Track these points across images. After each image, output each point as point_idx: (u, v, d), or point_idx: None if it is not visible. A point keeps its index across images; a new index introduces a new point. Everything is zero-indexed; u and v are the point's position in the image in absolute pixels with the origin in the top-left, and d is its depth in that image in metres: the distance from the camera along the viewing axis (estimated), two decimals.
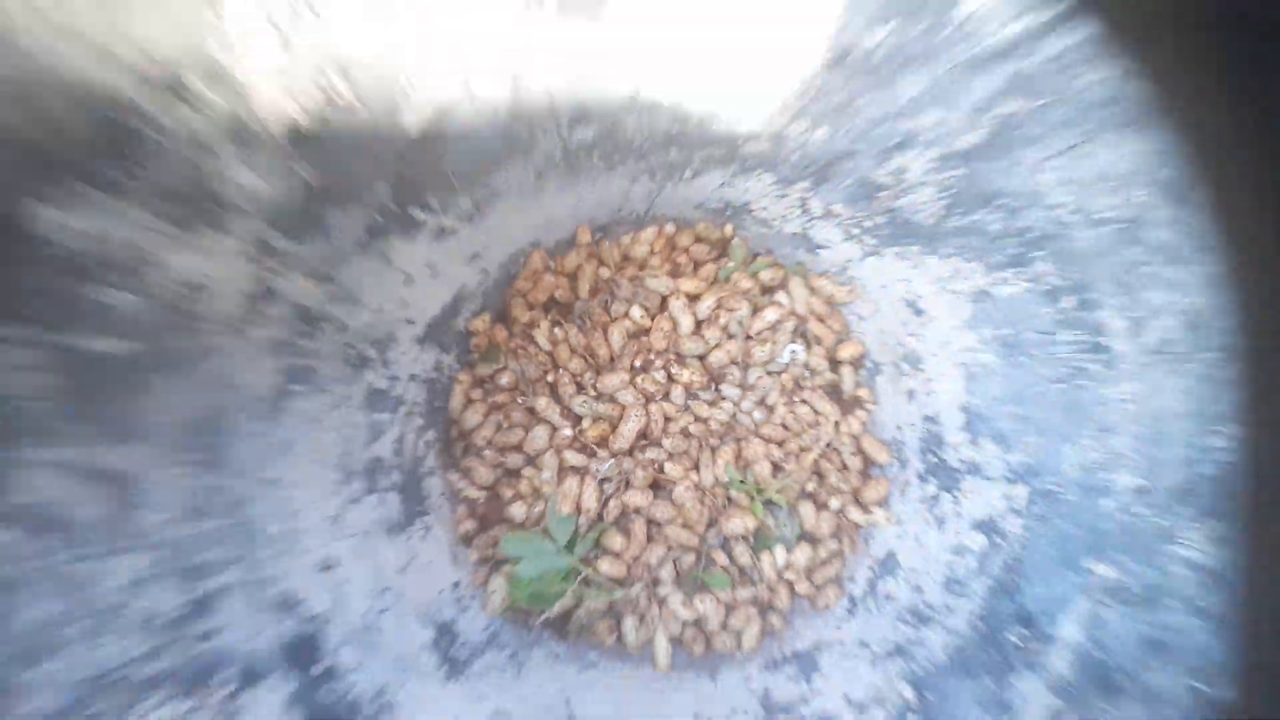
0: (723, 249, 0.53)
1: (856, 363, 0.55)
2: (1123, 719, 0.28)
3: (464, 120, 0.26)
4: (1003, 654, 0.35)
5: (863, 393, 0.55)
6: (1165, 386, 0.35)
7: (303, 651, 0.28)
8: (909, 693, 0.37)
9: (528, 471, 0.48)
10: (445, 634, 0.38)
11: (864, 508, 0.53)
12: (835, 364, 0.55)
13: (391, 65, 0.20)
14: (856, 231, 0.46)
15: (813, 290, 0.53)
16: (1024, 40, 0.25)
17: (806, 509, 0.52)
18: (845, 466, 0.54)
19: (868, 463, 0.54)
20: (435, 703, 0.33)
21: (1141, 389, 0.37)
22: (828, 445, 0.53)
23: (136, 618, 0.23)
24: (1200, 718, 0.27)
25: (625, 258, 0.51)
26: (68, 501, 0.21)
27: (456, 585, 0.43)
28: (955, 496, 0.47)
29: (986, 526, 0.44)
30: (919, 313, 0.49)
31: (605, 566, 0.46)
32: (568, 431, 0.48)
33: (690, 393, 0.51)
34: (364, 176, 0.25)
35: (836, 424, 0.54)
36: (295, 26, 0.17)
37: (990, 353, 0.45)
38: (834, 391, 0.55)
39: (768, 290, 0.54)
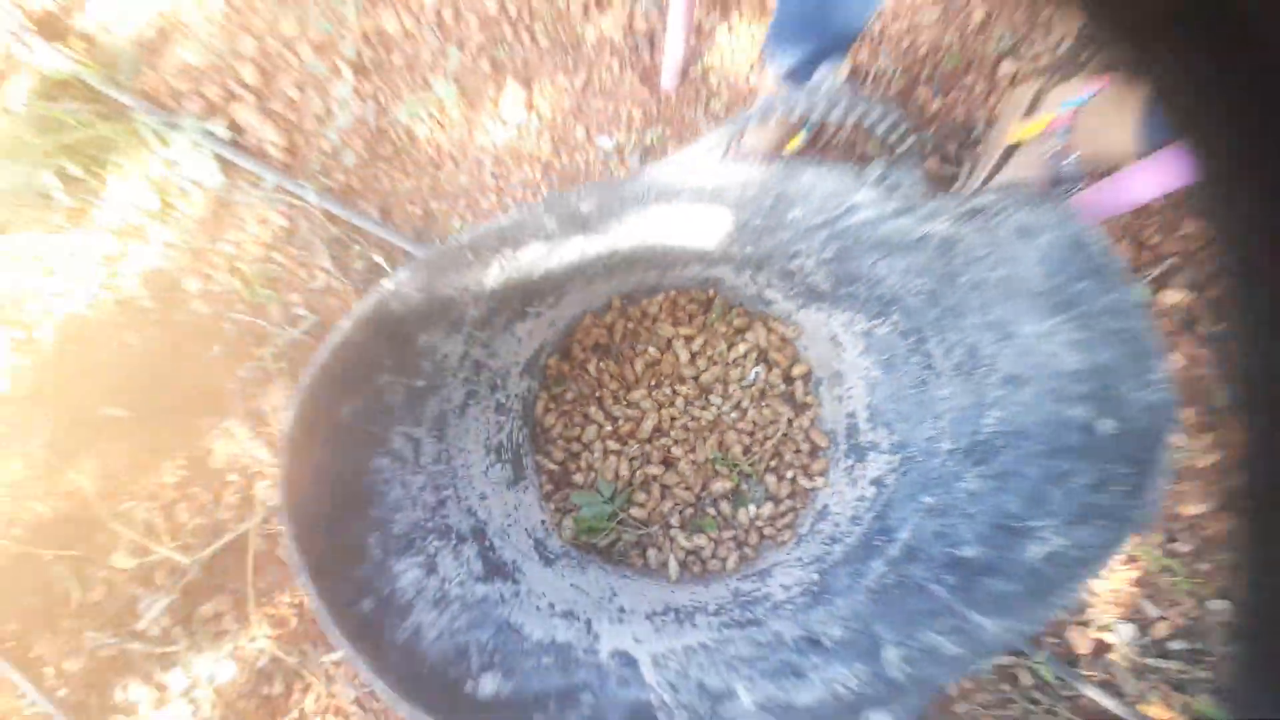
0: (708, 305, 0.79)
1: (805, 378, 0.80)
2: (912, 571, 0.52)
3: (559, 272, 0.53)
4: (869, 551, 0.59)
5: (809, 399, 0.79)
6: (961, 389, 0.59)
7: (478, 534, 0.56)
8: (815, 578, 0.61)
9: (584, 454, 0.75)
10: (540, 544, 0.65)
11: (810, 477, 0.77)
12: (789, 380, 0.80)
13: (532, 263, 0.47)
14: (789, 295, 0.72)
15: (770, 330, 0.79)
16: (826, 223, 0.50)
17: (770, 479, 0.77)
18: (798, 449, 0.78)
19: (814, 447, 0.78)
20: (541, 573, 0.60)
21: (952, 391, 0.60)
22: (784, 435, 0.78)
23: (421, 503, 0.50)
24: (947, 566, 0.50)
25: (643, 314, 0.78)
26: (401, 449, 0.49)
27: (543, 523, 0.70)
28: (863, 465, 0.71)
29: (877, 482, 0.67)
30: (838, 345, 0.74)
31: (634, 513, 0.72)
32: (609, 428, 0.75)
33: (688, 401, 0.77)
34: (513, 299, 0.53)
35: (790, 420, 0.78)
36: (504, 265, 0.44)
37: (878, 370, 0.69)
38: (789, 398, 0.80)
39: (739, 331, 0.79)
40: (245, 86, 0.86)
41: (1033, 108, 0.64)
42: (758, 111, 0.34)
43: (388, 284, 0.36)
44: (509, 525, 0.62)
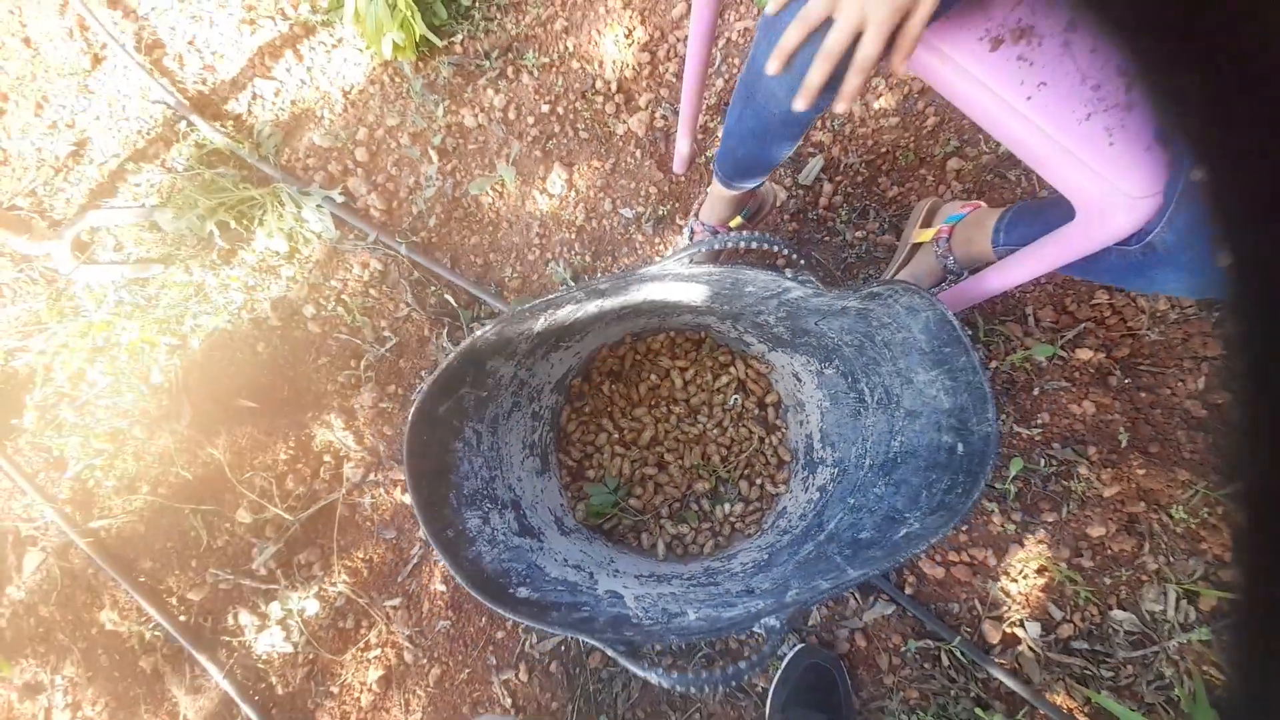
0: (699, 344, 1.01)
1: (776, 405, 1.00)
2: (828, 549, 0.71)
3: (584, 319, 0.76)
4: (806, 538, 0.78)
5: (779, 422, 0.99)
6: (880, 419, 0.78)
7: (515, 505, 0.77)
8: (765, 557, 0.80)
9: (596, 455, 0.96)
10: (559, 520, 0.86)
11: (776, 484, 0.96)
12: (763, 406, 1.00)
13: (566, 316, 0.70)
14: (762, 339, 0.92)
15: (748, 366, 0.99)
16: (774, 295, 0.71)
17: (743, 484, 0.96)
18: (767, 462, 0.98)
19: (780, 461, 0.98)
20: (559, 539, 0.81)
21: (875, 420, 0.79)
22: (756, 450, 0.97)
23: (480, 477, 0.72)
24: (849, 544, 0.69)
25: (648, 349, 1.00)
26: (469, 438, 0.71)
27: (562, 505, 0.91)
28: (814, 476, 0.90)
29: (821, 489, 0.86)
30: (799, 380, 0.94)
31: (633, 503, 0.93)
32: (616, 435, 0.96)
33: (680, 419, 0.98)
34: (550, 337, 0.76)
35: (762, 439, 0.98)
36: (547, 319, 0.67)
37: (828, 401, 0.89)
38: (762, 421, 0.99)
39: (723, 366, 1.00)
40: (358, 164, 1.13)
41: (928, 219, 0.85)
42: (709, 243, 0.56)
43: (478, 331, 0.59)
44: (536, 502, 0.83)
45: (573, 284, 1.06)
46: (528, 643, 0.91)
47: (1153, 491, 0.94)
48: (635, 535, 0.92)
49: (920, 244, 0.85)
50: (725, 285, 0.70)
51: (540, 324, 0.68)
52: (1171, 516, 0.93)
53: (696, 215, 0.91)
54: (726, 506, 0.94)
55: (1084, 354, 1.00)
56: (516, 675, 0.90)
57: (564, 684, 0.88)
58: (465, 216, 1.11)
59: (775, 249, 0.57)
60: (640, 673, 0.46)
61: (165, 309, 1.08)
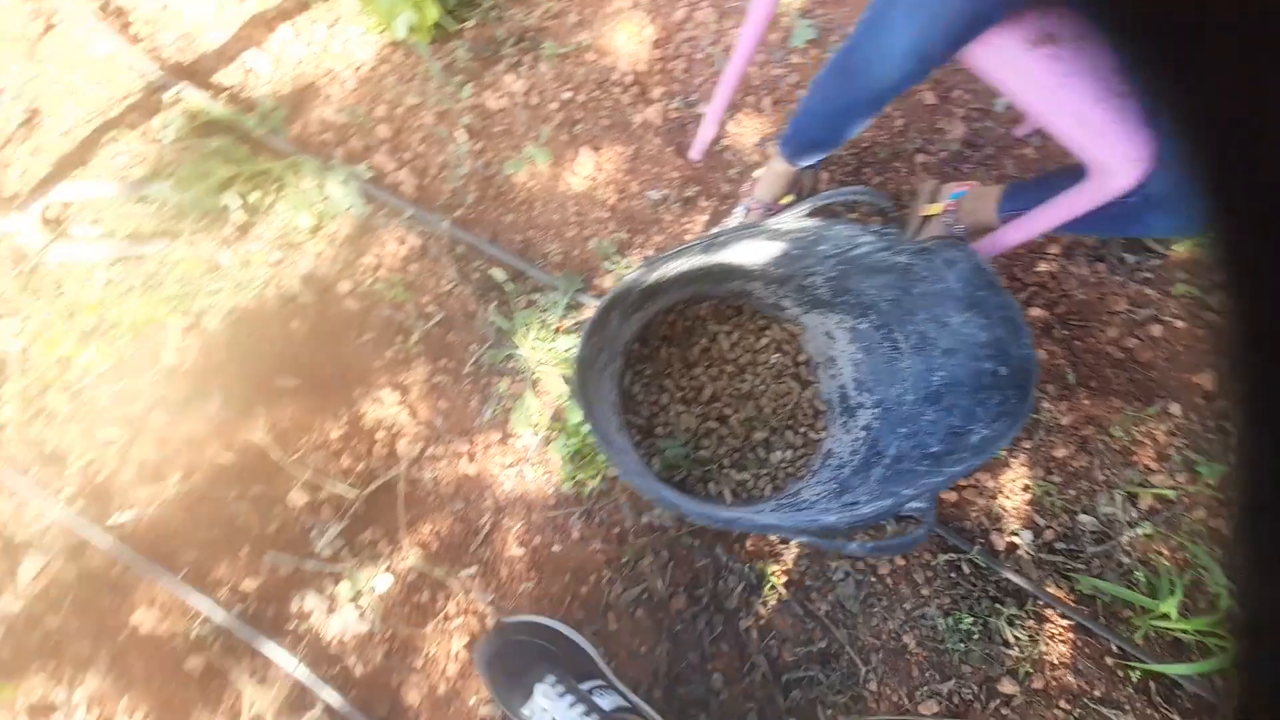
0: (739, 311, 1.10)
1: (808, 364, 1.12)
2: (901, 467, 0.83)
3: (670, 278, 0.82)
4: (870, 465, 0.90)
5: (811, 378, 1.11)
6: (916, 361, 0.93)
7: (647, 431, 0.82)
8: (835, 486, 0.91)
9: (661, 414, 1.02)
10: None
11: (816, 431, 1.08)
12: (797, 364, 1.11)
13: (660, 280, 0.76)
14: (798, 303, 1.04)
15: (782, 328, 1.11)
16: (838, 253, 0.83)
17: (789, 433, 1.07)
18: (805, 413, 1.09)
19: (816, 411, 1.10)
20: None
21: (911, 363, 0.94)
22: (795, 404, 1.09)
23: (609, 420, 0.76)
24: (923, 459, 0.82)
25: (696, 316, 1.08)
26: (598, 384, 0.75)
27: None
28: (854, 419, 1.03)
29: (866, 427, 0.99)
30: (831, 338, 1.06)
31: (701, 454, 1.00)
32: (679, 394, 1.02)
33: (731, 377, 1.06)
34: (646, 295, 0.82)
35: (799, 393, 1.10)
36: (653, 273, 0.73)
37: (861, 354, 1.02)
38: (798, 377, 1.11)
39: (762, 329, 1.10)
40: (381, 140, 1.10)
41: (933, 196, 1.04)
42: (824, 197, 0.66)
43: (628, 274, 0.64)
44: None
45: (619, 258, 1.12)
46: (611, 594, 0.94)
47: (1096, 417, 1.18)
48: (703, 485, 0.99)
49: (929, 216, 1.02)
50: (806, 242, 0.81)
51: (653, 276, 0.74)
52: (1111, 435, 1.17)
53: (750, 194, 1.01)
54: (778, 454, 1.04)
55: (1035, 312, 1.23)
56: (605, 625, 0.92)
57: (651, 628, 0.93)
58: (498, 195, 1.13)
59: (877, 202, 0.68)
60: (839, 547, 0.53)
61: (174, 287, 0.98)
